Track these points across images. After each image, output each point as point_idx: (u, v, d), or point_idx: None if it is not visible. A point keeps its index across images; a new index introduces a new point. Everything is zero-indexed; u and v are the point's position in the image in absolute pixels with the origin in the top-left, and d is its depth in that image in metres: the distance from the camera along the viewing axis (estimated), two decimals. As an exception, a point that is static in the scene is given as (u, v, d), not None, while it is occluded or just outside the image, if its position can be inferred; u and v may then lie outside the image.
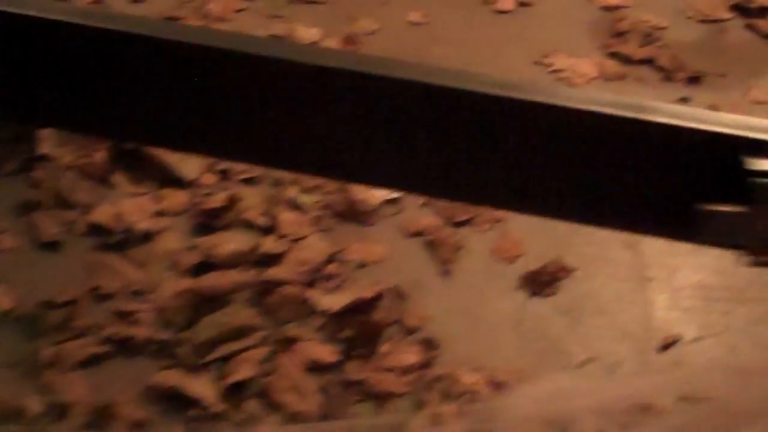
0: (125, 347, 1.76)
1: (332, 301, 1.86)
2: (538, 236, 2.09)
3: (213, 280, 1.86)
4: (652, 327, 1.91)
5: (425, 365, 1.79)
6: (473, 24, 2.78)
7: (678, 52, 2.74)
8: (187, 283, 1.86)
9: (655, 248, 2.09)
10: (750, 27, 2.86)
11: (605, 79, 2.65)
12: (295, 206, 2.08)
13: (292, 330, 1.81)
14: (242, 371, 1.70)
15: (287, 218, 2.04)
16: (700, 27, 2.88)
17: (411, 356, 1.79)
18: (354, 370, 1.75)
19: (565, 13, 2.87)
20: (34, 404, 1.62)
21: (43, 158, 2.11)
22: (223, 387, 1.68)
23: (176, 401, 1.67)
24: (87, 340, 1.75)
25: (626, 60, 2.72)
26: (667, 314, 1.95)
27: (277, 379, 1.71)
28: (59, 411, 1.62)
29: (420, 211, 2.14)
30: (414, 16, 2.77)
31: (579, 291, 1.99)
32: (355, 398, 1.71)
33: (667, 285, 2.02)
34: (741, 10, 2.92)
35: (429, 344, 1.82)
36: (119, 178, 2.11)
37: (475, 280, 1.99)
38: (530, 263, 2.03)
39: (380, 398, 1.71)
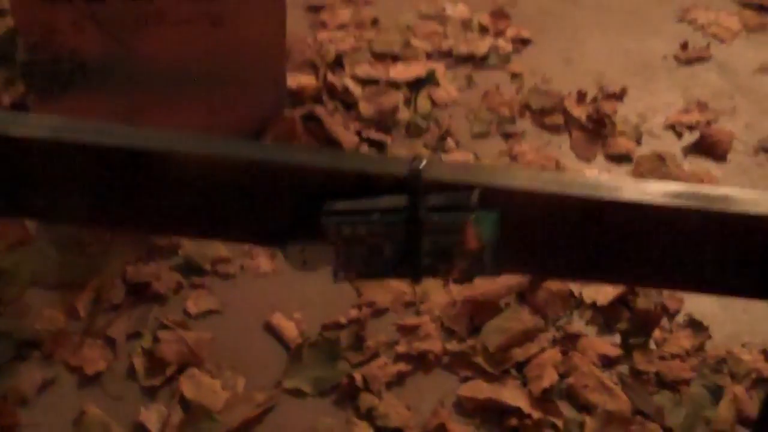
0: (421, 362, 1.80)
1: (597, 293, 1.91)
2: None
3: (485, 287, 1.90)
4: None
5: (699, 348, 1.87)
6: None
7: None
8: (458, 290, 1.90)
9: None
10: None
11: (749, 31, 2.70)
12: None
13: (570, 327, 1.87)
14: (547, 376, 1.76)
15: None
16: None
17: (685, 341, 1.87)
18: (642, 361, 1.82)
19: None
20: (366, 432, 1.67)
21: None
22: (537, 393, 1.73)
23: (490, 412, 1.73)
24: (384, 359, 1.79)
25: (761, 8, 2.77)
26: None
27: (579, 379, 1.77)
28: (391, 435, 1.67)
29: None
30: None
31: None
32: (652, 389, 1.78)
33: None
34: None
35: (697, 327, 1.90)
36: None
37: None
38: None
39: (674, 386, 1.78)
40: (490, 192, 0.74)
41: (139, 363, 1.75)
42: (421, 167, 0.74)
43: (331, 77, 2.35)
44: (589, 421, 1.71)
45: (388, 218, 0.75)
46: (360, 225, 0.76)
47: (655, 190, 0.74)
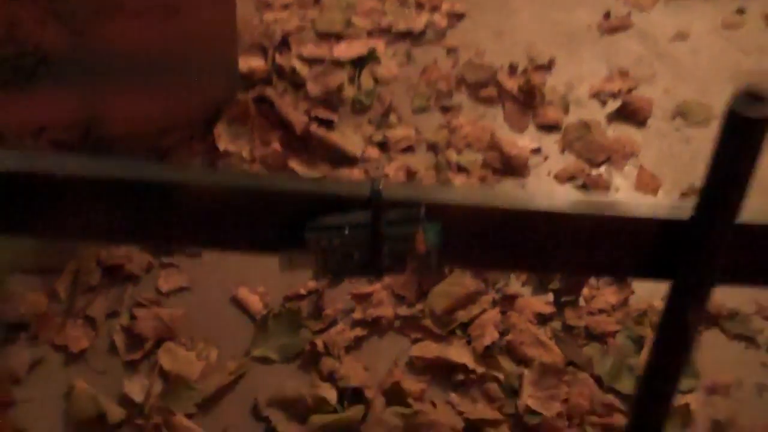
0: (376, 327, 1.99)
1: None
2: (667, 166, 2.38)
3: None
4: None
5: (624, 303, 2.08)
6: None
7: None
8: (406, 259, 2.09)
9: None
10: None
11: (667, -2, 2.90)
12: (460, 168, 2.31)
13: (507, 289, 2.07)
14: (489, 334, 1.96)
15: (460, 181, 2.27)
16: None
17: (611, 297, 2.08)
18: (572, 317, 2.03)
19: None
20: (331, 392, 1.86)
21: (225, 154, 2.27)
22: (480, 350, 1.94)
23: (439, 369, 1.93)
24: (342, 325, 1.98)
25: (679, -24, 2.97)
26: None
27: (517, 336, 1.98)
28: (352, 395, 1.86)
29: (562, 157, 2.40)
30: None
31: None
32: (582, 342, 1.99)
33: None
34: None
35: (622, 284, 2.11)
36: (295, 164, 2.29)
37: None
38: (669, 191, 2.32)
39: (602, 338, 2.00)
40: (433, 207, 0.96)
41: (119, 339, 1.92)
42: (380, 189, 0.94)
43: (278, 58, 2.50)
44: (527, 373, 1.92)
45: (356, 231, 0.96)
46: (334, 237, 0.97)
47: (559, 201, 0.95)
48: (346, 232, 0.96)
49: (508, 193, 0.91)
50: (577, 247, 0.98)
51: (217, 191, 0.98)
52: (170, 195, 0.97)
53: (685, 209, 0.96)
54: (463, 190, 0.88)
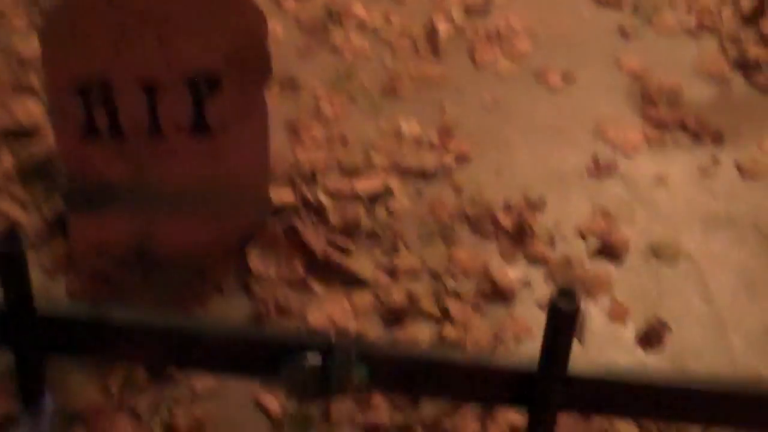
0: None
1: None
2: (637, 300, 2.76)
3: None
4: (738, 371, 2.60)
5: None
6: (535, 104, 3.40)
7: (699, 112, 3.41)
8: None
9: (728, 297, 2.78)
10: (751, 83, 3.55)
11: (650, 146, 3.31)
12: (455, 294, 2.71)
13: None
14: (469, 442, 2.33)
15: (455, 307, 2.66)
16: (710, 85, 3.55)
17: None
18: None
19: (602, 83, 3.51)
20: None
21: (255, 273, 2.69)
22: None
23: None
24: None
25: (661, 125, 3.38)
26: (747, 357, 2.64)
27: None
28: None
29: (546, 287, 2.78)
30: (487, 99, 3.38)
31: (679, 344, 2.66)
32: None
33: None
34: (740, 66, 3.61)
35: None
36: (314, 284, 2.70)
37: (602, 342, 2.65)
38: (637, 322, 2.69)
39: None
40: (365, 353, 1.51)
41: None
42: (330, 338, 1.51)
43: (305, 191, 2.93)
44: None
45: (313, 369, 1.53)
46: (298, 373, 1.53)
47: (451, 354, 1.40)
48: (306, 368, 1.50)
49: (413, 346, 1.33)
50: (464, 384, 1.43)
51: (225, 337, 1.53)
52: (194, 338, 1.42)
53: (535, 363, 1.40)
54: (381, 344, 1.41)
